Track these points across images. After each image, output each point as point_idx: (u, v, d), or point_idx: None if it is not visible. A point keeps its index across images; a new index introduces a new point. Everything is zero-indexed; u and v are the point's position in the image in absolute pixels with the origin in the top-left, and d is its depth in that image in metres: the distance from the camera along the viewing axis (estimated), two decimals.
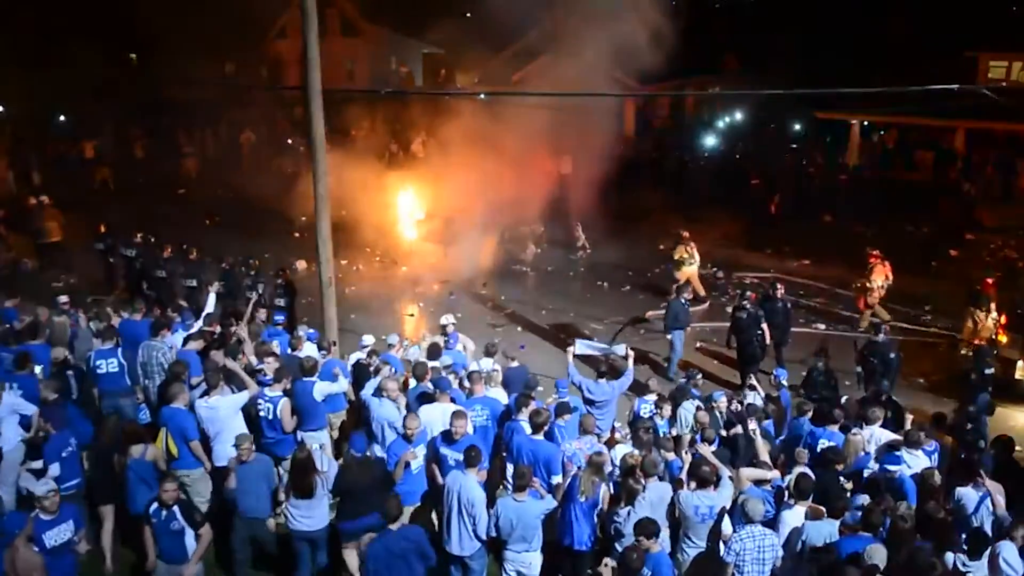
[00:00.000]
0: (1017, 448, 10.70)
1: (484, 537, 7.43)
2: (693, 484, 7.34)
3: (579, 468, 7.82)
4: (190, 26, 29.19)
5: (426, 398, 9.13)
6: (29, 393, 9.07)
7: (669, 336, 13.44)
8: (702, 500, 7.22)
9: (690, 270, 16.64)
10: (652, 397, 9.81)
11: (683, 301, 13.48)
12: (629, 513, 7.21)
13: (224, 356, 9.79)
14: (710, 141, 32.59)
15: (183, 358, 9.76)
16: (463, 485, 7.35)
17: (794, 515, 7.18)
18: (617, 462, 7.95)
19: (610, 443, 9.25)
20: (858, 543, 6.59)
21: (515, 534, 7.21)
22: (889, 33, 32.93)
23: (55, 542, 6.96)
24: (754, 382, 10.59)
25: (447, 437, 8.14)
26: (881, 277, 15.34)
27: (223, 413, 8.61)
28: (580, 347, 11.04)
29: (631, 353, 10.59)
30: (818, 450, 8.41)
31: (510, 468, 8.01)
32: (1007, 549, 6.38)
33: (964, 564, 6.53)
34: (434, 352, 10.37)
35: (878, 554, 6.29)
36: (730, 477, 7.70)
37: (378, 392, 9.11)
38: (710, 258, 18.69)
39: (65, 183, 25.49)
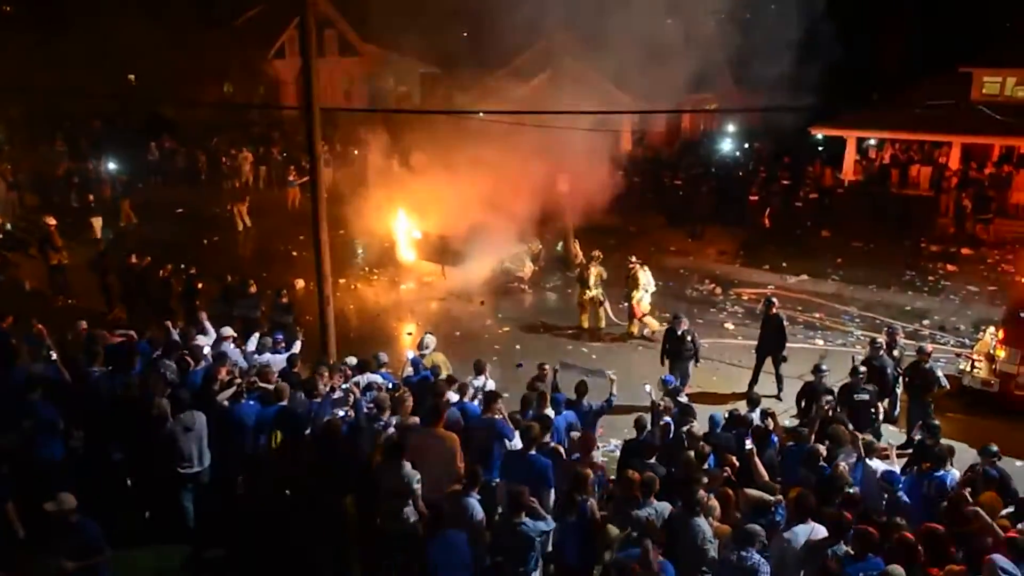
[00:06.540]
0: (1018, 464, 10.80)
1: (486, 561, 7.33)
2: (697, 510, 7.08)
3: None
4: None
5: None
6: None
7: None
8: (700, 525, 6.99)
9: (591, 293, 16.19)
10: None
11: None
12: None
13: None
14: (706, 157, 32.61)
15: None
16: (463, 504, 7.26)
17: (793, 534, 7.09)
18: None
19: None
20: (865, 566, 6.47)
21: (512, 557, 7.05)
22: (885, 49, 33.10)
23: None
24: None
25: None
26: (644, 281, 15.46)
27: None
28: (565, 367, 10.97)
29: (614, 379, 10.33)
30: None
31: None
32: (999, 558, 6.38)
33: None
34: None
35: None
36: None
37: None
38: (708, 274, 18.64)
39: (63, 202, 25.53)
